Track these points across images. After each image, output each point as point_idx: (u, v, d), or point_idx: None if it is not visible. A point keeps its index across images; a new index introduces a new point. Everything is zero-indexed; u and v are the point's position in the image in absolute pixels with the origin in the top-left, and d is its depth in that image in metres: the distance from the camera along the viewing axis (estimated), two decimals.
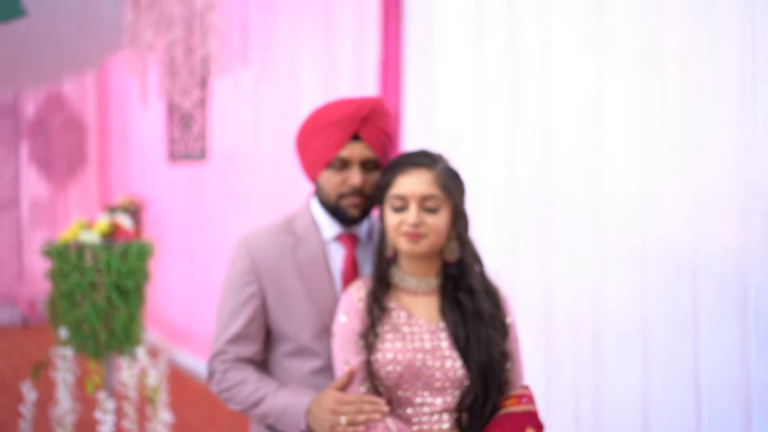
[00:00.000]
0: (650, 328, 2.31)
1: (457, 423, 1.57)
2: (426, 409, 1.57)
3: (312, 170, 1.73)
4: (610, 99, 2.44)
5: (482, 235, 2.35)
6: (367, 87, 3.50)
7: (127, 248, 3.73)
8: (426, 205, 1.58)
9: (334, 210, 1.71)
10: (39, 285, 6.90)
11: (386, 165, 1.67)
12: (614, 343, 2.43)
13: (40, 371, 3.19)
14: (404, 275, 1.65)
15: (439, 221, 1.59)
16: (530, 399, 1.61)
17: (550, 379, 2.63)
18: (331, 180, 1.69)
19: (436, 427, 1.57)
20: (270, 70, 4.51)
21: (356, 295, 1.64)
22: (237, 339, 1.71)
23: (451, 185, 1.60)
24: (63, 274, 3.66)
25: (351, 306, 1.63)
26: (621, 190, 2.41)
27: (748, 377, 2.09)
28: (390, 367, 1.57)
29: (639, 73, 2.35)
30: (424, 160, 1.61)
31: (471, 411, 1.57)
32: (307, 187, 2.89)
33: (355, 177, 1.66)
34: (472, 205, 1.68)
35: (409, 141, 3.22)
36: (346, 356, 1.60)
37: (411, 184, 1.59)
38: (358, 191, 1.68)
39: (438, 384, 1.57)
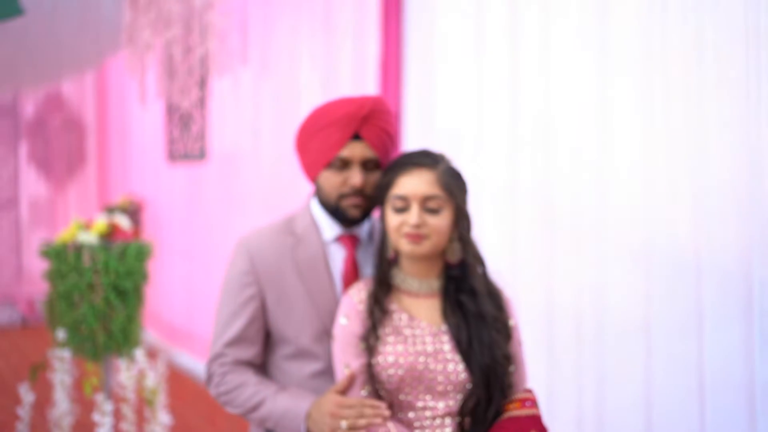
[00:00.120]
0: (653, 327, 2.31)
1: (460, 427, 1.56)
2: (428, 413, 1.56)
3: (312, 170, 1.71)
4: (611, 98, 2.43)
5: (483, 235, 2.33)
6: (368, 86, 3.48)
7: (126, 249, 3.70)
8: (428, 205, 1.57)
9: (335, 210, 1.69)
10: (38, 285, 6.89)
11: (387, 165, 1.65)
12: (617, 343, 2.42)
13: (38, 373, 3.17)
14: (405, 277, 1.63)
15: (441, 222, 1.57)
16: (534, 403, 1.59)
17: (552, 380, 2.62)
18: (331, 180, 1.67)
19: (438, 431, 1.55)
20: (270, 70, 4.50)
21: (357, 297, 1.62)
22: (236, 341, 1.69)
23: (453, 185, 1.59)
24: (61, 275, 3.64)
25: (352, 308, 1.61)
26: (623, 190, 2.40)
27: (752, 376, 2.08)
28: (391, 371, 1.55)
29: (641, 73, 2.34)
30: (426, 160, 1.60)
31: (474, 415, 1.56)
32: (307, 187, 2.87)
33: (355, 177, 1.64)
34: (473, 205, 1.66)
35: (410, 141, 3.20)
36: (346, 359, 1.59)
37: (412, 184, 1.57)
38: (359, 191, 1.66)
39: (440, 387, 1.55)
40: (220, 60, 4.37)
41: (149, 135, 6.37)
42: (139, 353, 3.08)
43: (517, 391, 1.63)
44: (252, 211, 4.69)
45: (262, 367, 1.75)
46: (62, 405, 3.00)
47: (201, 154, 5.43)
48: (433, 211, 1.57)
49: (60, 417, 3.00)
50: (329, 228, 1.73)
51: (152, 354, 5.24)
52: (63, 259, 3.63)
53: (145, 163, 6.55)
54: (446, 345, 1.58)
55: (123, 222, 3.82)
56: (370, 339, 1.57)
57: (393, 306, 1.61)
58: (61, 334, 3.17)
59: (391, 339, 1.57)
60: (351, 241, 1.73)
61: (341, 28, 3.74)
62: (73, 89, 7.72)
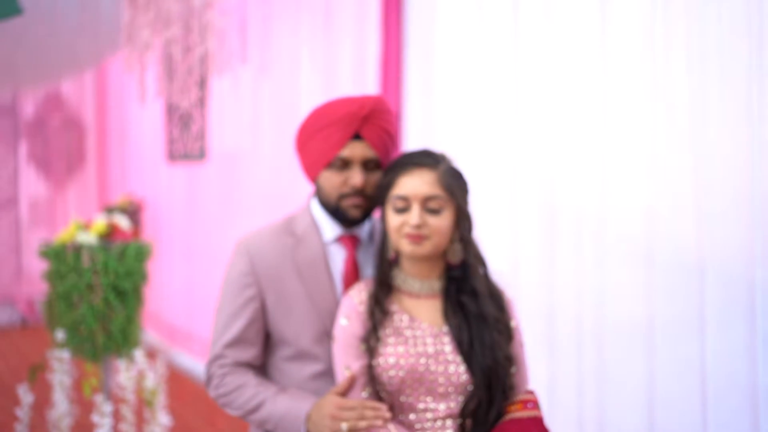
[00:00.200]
0: (655, 328, 2.30)
1: (461, 429, 1.55)
2: (429, 415, 1.55)
3: (312, 170, 1.70)
4: (613, 98, 2.42)
5: (483, 235, 2.32)
6: (368, 86, 3.47)
7: (125, 249, 3.69)
8: (429, 205, 1.56)
9: (335, 211, 1.68)
10: (38, 285, 6.88)
11: (388, 165, 1.64)
12: (618, 344, 2.41)
13: (37, 373, 3.16)
14: (406, 277, 1.62)
15: (442, 222, 1.56)
16: (536, 404, 1.58)
17: (553, 381, 2.60)
18: (331, 180, 1.66)
19: None
20: (269, 69, 4.49)
21: (357, 297, 1.61)
22: (235, 343, 1.68)
23: (455, 185, 1.58)
24: (60, 276, 3.62)
25: (352, 309, 1.60)
26: (625, 190, 2.39)
27: (755, 377, 2.07)
28: (392, 372, 1.54)
29: (643, 73, 2.33)
30: (427, 159, 1.59)
31: (475, 417, 1.55)
32: (307, 187, 2.86)
33: (356, 177, 1.63)
34: (474, 205, 1.65)
35: (410, 141, 3.19)
36: (347, 360, 1.58)
37: (413, 184, 1.56)
38: (360, 192, 1.65)
39: (441, 389, 1.54)
40: (219, 59, 4.36)
41: (149, 135, 6.36)
42: (139, 354, 3.07)
43: (519, 392, 1.62)
44: (252, 211, 4.68)
45: (261, 368, 1.74)
46: (61, 406, 2.98)
47: (201, 154, 5.42)
48: (434, 212, 1.56)
49: (59, 418, 2.99)
50: (329, 228, 1.72)
51: (152, 354, 5.23)
52: (62, 259, 3.62)
53: (144, 162, 6.54)
54: (447, 346, 1.57)
55: (122, 222, 3.81)
56: (371, 340, 1.56)
57: (394, 307, 1.60)
58: (60, 334, 3.16)
59: (391, 340, 1.56)
60: (351, 242, 1.72)
61: (341, 27, 3.73)
62: (72, 89, 7.72)
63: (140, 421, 3.66)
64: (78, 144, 7.74)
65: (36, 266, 7.11)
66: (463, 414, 1.54)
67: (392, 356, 1.55)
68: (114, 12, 4.84)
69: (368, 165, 1.66)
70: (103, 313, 3.59)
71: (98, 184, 7.63)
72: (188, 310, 5.68)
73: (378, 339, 1.56)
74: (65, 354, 3.07)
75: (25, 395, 2.87)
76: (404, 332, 1.57)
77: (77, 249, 3.62)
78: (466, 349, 1.56)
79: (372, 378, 1.54)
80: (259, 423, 1.65)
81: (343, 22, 3.72)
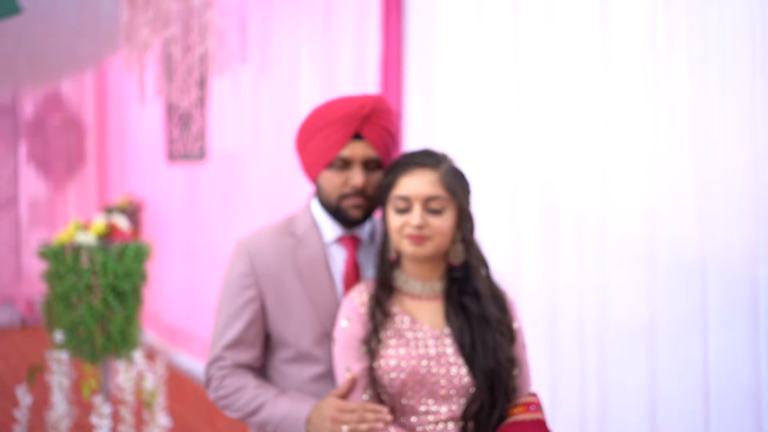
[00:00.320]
0: (658, 328, 2.29)
1: None
2: (431, 418, 1.53)
3: (312, 170, 1.69)
4: (615, 97, 2.41)
5: (484, 235, 2.31)
6: (368, 85, 3.46)
7: (124, 249, 3.68)
8: (430, 206, 1.54)
9: (335, 211, 1.66)
10: (37, 285, 6.87)
11: (389, 165, 1.63)
12: (620, 345, 2.41)
13: (36, 375, 3.15)
14: (408, 279, 1.61)
15: (443, 223, 1.55)
16: (538, 407, 1.57)
17: (555, 381, 2.59)
18: (332, 180, 1.64)
19: None
20: (269, 69, 4.47)
21: (358, 299, 1.60)
22: (235, 344, 1.67)
23: (456, 186, 1.56)
24: (59, 276, 3.61)
25: (353, 310, 1.59)
26: (627, 190, 2.38)
27: (758, 377, 2.06)
28: (393, 374, 1.52)
29: (645, 72, 2.32)
30: (428, 159, 1.57)
31: (477, 419, 1.53)
32: (308, 187, 2.84)
33: (356, 177, 1.62)
34: (475, 205, 1.64)
35: (411, 140, 3.18)
36: (347, 362, 1.56)
37: (414, 184, 1.54)
38: (360, 192, 1.63)
39: (443, 391, 1.53)
40: (219, 59, 4.35)
41: (149, 135, 6.35)
42: (138, 355, 3.05)
43: (522, 394, 1.61)
44: (252, 211, 4.67)
45: (261, 370, 1.72)
46: (60, 407, 2.97)
47: (201, 154, 5.41)
48: (436, 212, 1.54)
49: (58, 419, 2.98)
50: (330, 229, 1.70)
51: (152, 355, 5.22)
52: (61, 260, 3.60)
53: (144, 163, 6.54)
54: (449, 348, 1.55)
55: (121, 222, 3.79)
56: (372, 342, 1.55)
57: (395, 308, 1.59)
58: (58, 335, 3.14)
59: (393, 342, 1.55)
60: (352, 243, 1.70)
61: (342, 26, 3.71)
62: (72, 89, 7.71)
63: (139, 422, 3.64)
64: (78, 144, 7.73)
65: (36, 266, 7.09)
66: (465, 417, 1.53)
67: (393, 358, 1.53)
68: (114, 12, 4.83)
69: (369, 165, 1.64)
70: (102, 314, 3.57)
71: (98, 184, 7.62)
72: (188, 310, 5.67)
73: (379, 341, 1.55)
74: (64, 355, 3.06)
75: (24, 397, 2.86)
76: (405, 334, 1.56)
77: (76, 249, 3.60)
78: (468, 351, 1.54)
79: (373, 380, 1.53)
80: (258, 425, 1.64)
81: (343, 22, 3.71)
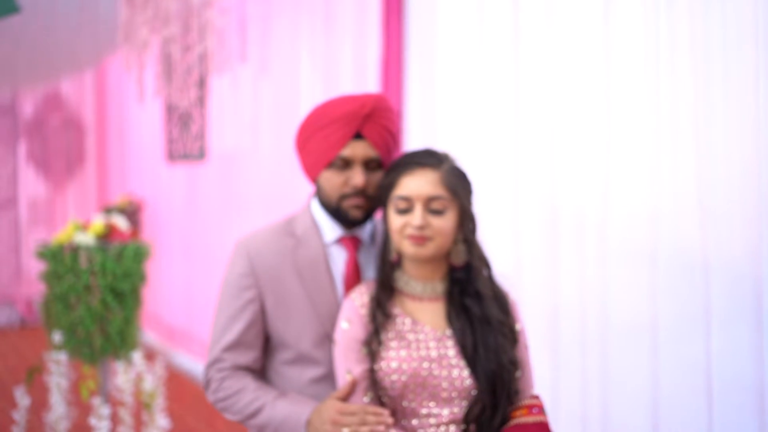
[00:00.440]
0: (660, 328, 2.28)
1: None
2: (432, 421, 1.52)
3: (312, 170, 1.67)
4: (616, 96, 2.40)
5: (486, 236, 2.30)
6: (369, 84, 3.44)
7: (123, 250, 3.66)
8: (431, 206, 1.53)
9: (336, 211, 1.65)
10: (37, 286, 6.86)
11: (390, 165, 1.61)
12: (622, 345, 2.40)
13: (34, 376, 3.13)
14: (409, 280, 1.59)
15: (445, 223, 1.53)
16: (541, 409, 1.55)
17: (557, 381, 2.59)
18: (332, 180, 1.63)
19: None
20: (269, 68, 4.46)
21: (359, 300, 1.58)
22: (234, 346, 1.66)
23: (458, 185, 1.55)
24: (57, 277, 3.59)
25: (353, 312, 1.57)
26: (629, 189, 2.37)
27: (762, 377, 2.05)
28: (394, 377, 1.51)
29: (647, 70, 2.30)
30: (430, 159, 1.56)
31: (479, 422, 1.52)
32: (308, 187, 2.82)
33: (357, 177, 1.60)
34: (476, 205, 1.62)
35: (411, 140, 3.16)
36: (348, 364, 1.55)
37: (416, 184, 1.53)
38: (361, 192, 1.62)
39: (444, 394, 1.51)
40: (219, 59, 4.33)
41: (148, 134, 6.34)
42: (137, 356, 3.04)
43: (524, 397, 1.59)
44: (252, 211, 4.66)
45: (261, 372, 1.71)
46: (58, 408, 2.96)
47: (200, 154, 5.40)
48: (437, 212, 1.53)
49: (56, 420, 2.97)
50: (330, 229, 1.69)
51: (151, 356, 5.21)
52: (59, 260, 3.58)
53: (144, 162, 6.53)
54: (451, 350, 1.54)
55: (120, 223, 3.77)
56: (373, 344, 1.53)
57: (396, 310, 1.57)
58: (57, 336, 3.12)
59: (394, 344, 1.54)
60: (352, 243, 1.69)
61: (342, 25, 3.70)
62: (72, 89, 7.70)
63: (138, 424, 3.63)
64: (77, 144, 7.72)
65: (35, 266, 7.08)
66: (467, 419, 1.51)
67: (394, 360, 1.52)
68: (113, 11, 4.82)
69: (370, 165, 1.63)
70: (100, 314, 3.55)
71: (98, 184, 7.61)
72: (188, 310, 5.66)
73: (380, 343, 1.53)
74: (62, 356, 3.04)
75: (22, 398, 2.85)
76: (407, 336, 1.55)
77: (75, 250, 3.59)
78: (470, 353, 1.53)
79: (374, 382, 1.52)
80: (258, 428, 1.62)
81: (343, 21, 3.69)
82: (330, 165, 1.63)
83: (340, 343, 1.57)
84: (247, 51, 4.64)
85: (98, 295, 3.53)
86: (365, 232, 1.71)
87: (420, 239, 1.52)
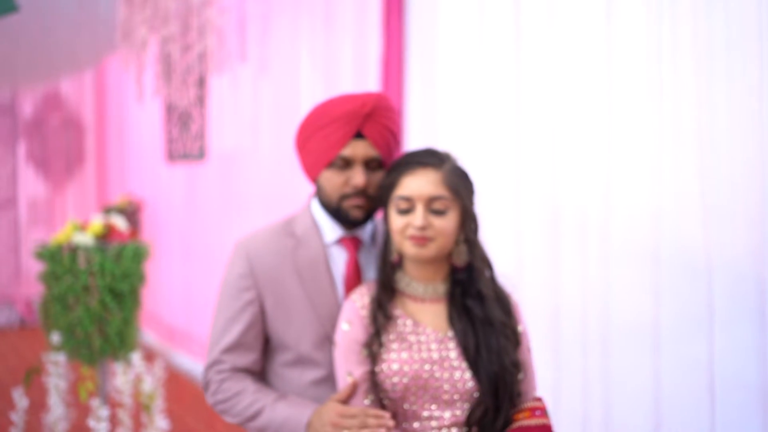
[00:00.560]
0: (663, 328, 2.27)
1: None
2: (434, 423, 1.50)
3: (313, 170, 1.65)
4: (618, 95, 2.39)
5: (487, 236, 2.29)
6: (369, 84, 3.43)
7: (122, 250, 3.64)
8: (433, 206, 1.51)
9: (336, 212, 1.63)
10: (37, 286, 6.84)
11: (391, 164, 1.60)
12: (624, 345, 2.39)
13: (33, 377, 3.12)
14: (410, 281, 1.58)
15: (446, 224, 1.52)
16: (544, 412, 1.53)
17: (559, 382, 2.58)
18: (332, 180, 1.61)
19: None
20: (269, 68, 4.45)
21: (360, 301, 1.57)
22: (233, 348, 1.64)
23: (460, 185, 1.53)
24: (55, 277, 3.57)
25: (354, 313, 1.56)
26: (631, 189, 2.36)
27: (765, 376, 2.04)
28: (395, 379, 1.49)
29: (649, 70, 2.29)
30: (431, 159, 1.54)
31: (481, 425, 1.50)
32: (308, 187, 2.81)
33: (358, 177, 1.59)
34: (477, 205, 1.61)
35: (412, 140, 3.15)
36: (348, 366, 1.53)
37: (417, 184, 1.51)
38: (362, 192, 1.60)
39: (446, 396, 1.50)
40: (218, 58, 4.31)
41: (148, 134, 6.33)
42: (136, 357, 3.02)
43: (527, 399, 1.58)
44: (252, 211, 4.65)
45: (260, 374, 1.70)
46: (57, 410, 2.94)
47: (200, 154, 5.38)
48: (439, 213, 1.51)
49: (55, 422, 2.95)
50: (330, 230, 1.67)
51: (150, 357, 5.19)
52: (58, 260, 3.56)
53: (144, 162, 6.52)
54: (452, 352, 1.52)
55: (119, 223, 3.76)
56: (374, 346, 1.52)
57: (397, 311, 1.56)
58: (55, 337, 3.11)
59: (395, 346, 1.52)
60: (353, 244, 1.67)
61: (342, 24, 3.68)
62: (71, 88, 7.69)
63: (138, 425, 3.61)
64: (77, 144, 7.71)
65: (35, 267, 7.08)
66: (469, 422, 1.50)
67: (396, 362, 1.50)
68: (113, 11, 4.81)
69: (370, 164, 1.61)
70: (99, 315, 3.54)
71: (97, 184, 7.60)
72: (187, 311, 5.65)
73: (381, 344, 1.52)
74: (61, 357, 3.03)
75: (20, 399, 2.83)
76: (408, 337, 1.53)
77: (73, 250, 3.57)
78: (472, 354, 1.51)
79: (375, 385, 1.50)
80: (257, 431, 1.61)
81: (343, 20, 3.68)
82: (330, 165, 1.61)
83: (341, 344, 1.56)
84: (247, 50, 4.62)
85: (97, 296, 3.51)
86: (366, 232, 1.70)
87: (421, 240, 1.50)
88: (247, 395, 1.61)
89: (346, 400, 1.52)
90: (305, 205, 1.73)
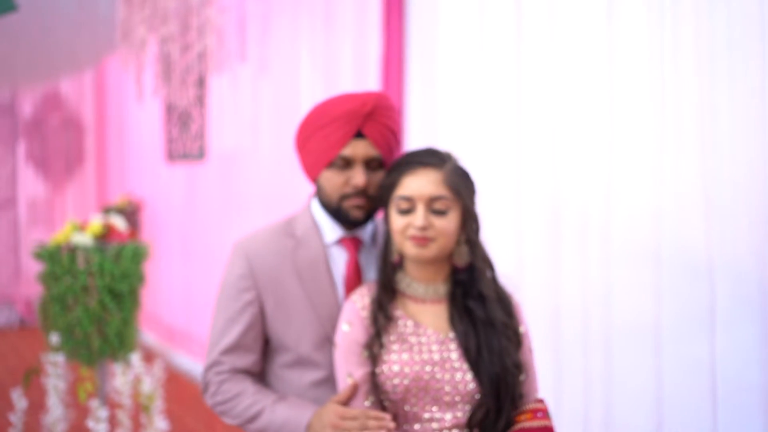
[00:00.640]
0: (664, 328, 2.27)
1: None
2: (435, 425, 1.49)
3: (313, 170, 1.64)
4: (620, 95, 2.38)
5: (488, 236, 2.28)
6: (369, 83, 3.42)
7: (121, 250, 3.63)
8: (434, 206, 1.50)
9: (336, 212, 1.62)
10: (36, 286, 6.84)
11: (391, 164, 1.59)
12: (626, 345, 2.39)
13: (32, 378, 3.11)
14: (411, 281, 1.57)
15: (447, 224, 1.51)
16: (545, 413, 1.53)
17: (560, 382, 2.57)
18: (333, 180, 1.60)
19: None
20: (269, 67, 4.44)
21: (360, 302, 1.56)
22: (233, 349, 1.63)
23: (461, 185, 1.52)
24: (54, 277, 3.56)
25: (354, 314, 1.55)
26: (632, 189, 2.36)
27: (767, 377, 2.03)
28: (396, 380, 1.48)
29: (651, 70, 2.28)
30: (432, 159, 1.53)
31: (483, 426, 1.50)
32: (308, 187, 2.80)
33: (358, 177, 1.58)
34: (479, 205, 1.60)
35: (412, 139, 3.14)
36: (349, 368, 1.53)
37: (418, 184, 1.50)
38: (362, 192, 1.59)
39: (447, 398, 1.49)
40: (218, 58, 4.31)
41: (148, 134, 6.33)
42: (135, 358, 3.01)
43: (528, 400, 1.57)
44: (251, 211, 4.64)
45: (260, 375, 1.69)
46: (56, 411, 2.93)
47: (200, 154, 5.37)
48: (440, 213, 1.50)
49: (54, 423, 2.94)
50: (331, 230, 1.66)
51: (150, 357, 5.19)
52: (57, 261, 3.55)
53: (143, 162, 6.51)
54: (454, 353, 1.51)
55: (118, 223, 3.75)
56: (374, 347, 1.51)
57: (398, 312, 1.55)
58: (54, 338, 3.10)
59: (395, 347, 1.51)
60: (353, 244, 1.66)
61: (342, 24, 3.68)
62: (71, 88, 7.69)
63: (137, 426, 3.61)
64: (77, 144, 7.70)
65: (34, 267, 7.07)
66: (471, 424, 1.49)
67: (396, 364, 1.49)
68: (113, 10, 4.80)
69: (371, 164, 1.60)
70: (98, 315, 3.52)
71: (97, 184, 7.59)
72: (187, 311, 5.64)
73: (381, 346, 1.51)
74: (60, 358, 3.02)
75: (19, 400, 2.82)
76: (409, 339, 1.52)
77: (72, 250, 3.56)
78: (473, 356, 1.50)
79: (375, 386, 1.49)
80: None
81: (343, 19, 3.67)
82: (330, 164, 1.60)
83: (341, 345, 1.55)
84: (247, 50, 4.61)
85: (96, 296, 3.50)
86: (366, 232, 1.69)
87: (422, 240, 1.50)
88: (247, 396, 1.60)
89: (346, 402, 1.51)
90: (305, 205, 1.72)
